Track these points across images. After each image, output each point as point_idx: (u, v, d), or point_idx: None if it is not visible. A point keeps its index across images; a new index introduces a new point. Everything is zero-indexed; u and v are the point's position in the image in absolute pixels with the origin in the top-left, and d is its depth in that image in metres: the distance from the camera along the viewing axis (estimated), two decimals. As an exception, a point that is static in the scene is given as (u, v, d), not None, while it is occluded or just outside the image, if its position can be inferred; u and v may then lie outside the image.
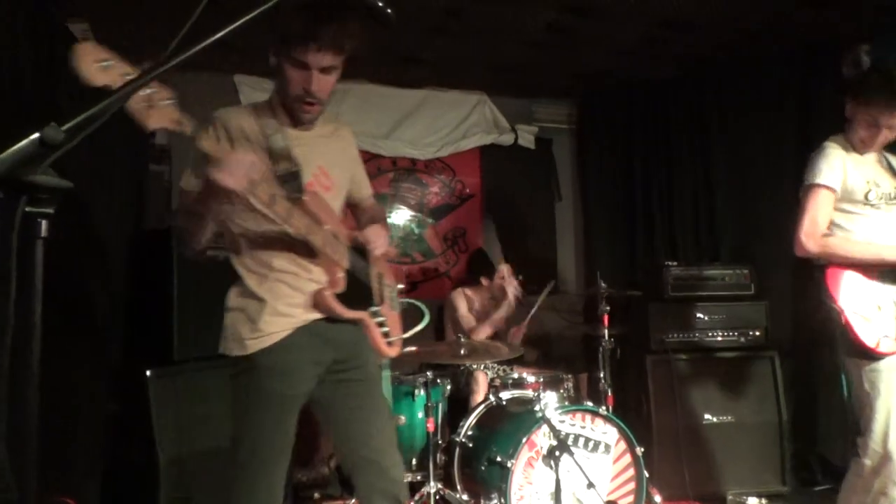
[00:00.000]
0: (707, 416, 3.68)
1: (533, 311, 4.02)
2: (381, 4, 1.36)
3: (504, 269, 4.05)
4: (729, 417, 3.68)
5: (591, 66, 4.41)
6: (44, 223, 0.88)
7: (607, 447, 2.92)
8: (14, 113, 2.41)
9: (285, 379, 1.86)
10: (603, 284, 3.54)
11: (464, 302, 4.16)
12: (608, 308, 3.50)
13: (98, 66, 1.21)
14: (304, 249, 1.85)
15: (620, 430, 2.93)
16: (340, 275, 1.91)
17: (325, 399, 1.95)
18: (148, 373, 2.88)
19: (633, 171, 4.82)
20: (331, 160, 1.98)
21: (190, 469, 2.94)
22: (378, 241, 2.04)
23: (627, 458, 2.93)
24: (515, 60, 4.29)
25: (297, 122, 1.89)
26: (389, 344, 2.09)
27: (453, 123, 4.84)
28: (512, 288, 3.96)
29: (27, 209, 0.87)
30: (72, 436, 2.74)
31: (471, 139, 4.89)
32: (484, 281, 4.17)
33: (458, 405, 3.57)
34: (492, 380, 3.52)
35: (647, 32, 3.83)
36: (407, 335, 2.24)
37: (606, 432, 2.92)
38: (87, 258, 3.01)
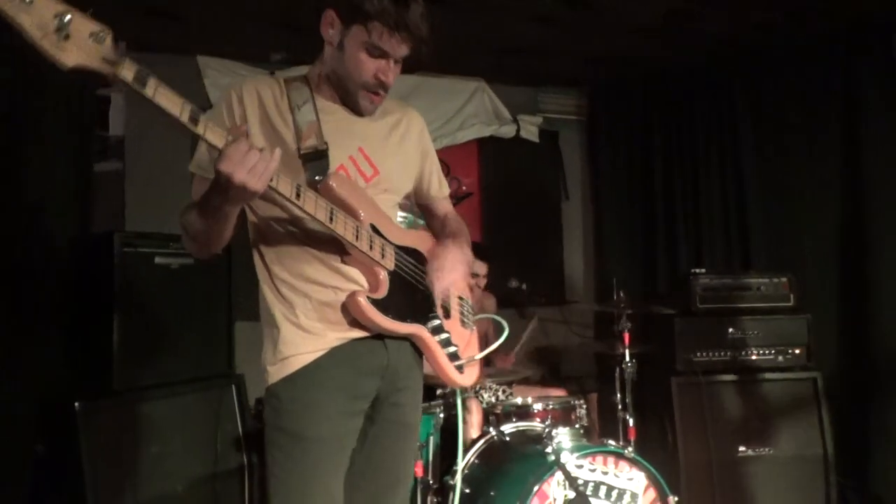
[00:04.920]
0: (742, 448, 3.22)
1: (517, 348, 3.54)
2: None
3: (478, 267, 3.45)
4: (767, 449, 3.23)
5: (605, 49, 3.95)
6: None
7: (633, 496, 2.45)
8: None
9: (312, 417, 1.48)
10: (622, 297, 3.07)
11: None
12: (629, 325, 3.02)
13: None
14: (333, 246, 1.52)
15: (649, 476, 2.48)
16: (382, 276, 1.53)
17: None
18: (77, 405, 2.39)
19: (651, 168, 4.40)
20: (379, 146, 1.65)
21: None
22: (445, 276, 1.61)
23: (657, 509, 2.46)
24: (520, 42, 3.83)
25: (355, 109, 1.62)
26: (459, 368, 1.66)
27: (449, 113, 4.40)
28: (477, 291, 3.41)
29: None
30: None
31: (468, 130, 4.46)
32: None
33: (451, 437, 3.07)
34: (491, 406, 3.02)
35: (671, 8, 3.35)
36: (481, 355, 1.75)
37: (633, 478, 2.46)
38: (16, 264, 2.59)
